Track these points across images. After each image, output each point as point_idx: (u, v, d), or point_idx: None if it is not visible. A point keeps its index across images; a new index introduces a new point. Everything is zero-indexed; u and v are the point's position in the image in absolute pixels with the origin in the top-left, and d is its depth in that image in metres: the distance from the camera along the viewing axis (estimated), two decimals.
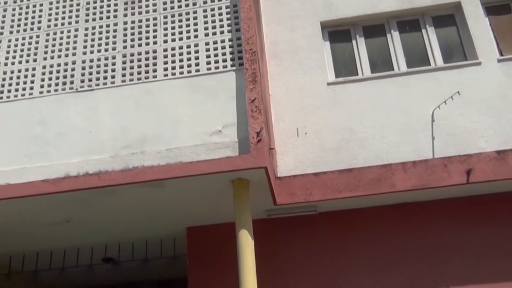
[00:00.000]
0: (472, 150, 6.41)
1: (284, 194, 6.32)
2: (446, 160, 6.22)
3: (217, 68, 5.92)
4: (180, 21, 6.25)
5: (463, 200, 6.50)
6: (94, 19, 6.47)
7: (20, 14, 6.69)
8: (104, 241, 7.44)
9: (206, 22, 6.19)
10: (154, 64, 6.07)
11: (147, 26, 6.30)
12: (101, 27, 6.41)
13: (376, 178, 6.23)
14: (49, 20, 6.56)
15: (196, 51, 6.05)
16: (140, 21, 6.35)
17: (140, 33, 6.28)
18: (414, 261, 6.35)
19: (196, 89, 5.82)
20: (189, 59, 6.02)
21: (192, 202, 6.19)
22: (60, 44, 6.39)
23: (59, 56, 6.31)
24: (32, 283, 8.34)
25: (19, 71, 6.33)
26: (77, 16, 6.53)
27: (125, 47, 6.23)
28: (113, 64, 6.16)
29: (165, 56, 6.09)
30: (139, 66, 6.09)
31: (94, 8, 6.53)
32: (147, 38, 6.24)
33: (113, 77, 6.09)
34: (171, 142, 5.59)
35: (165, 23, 6.27)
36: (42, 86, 6.19)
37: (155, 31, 6.26)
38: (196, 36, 6.13)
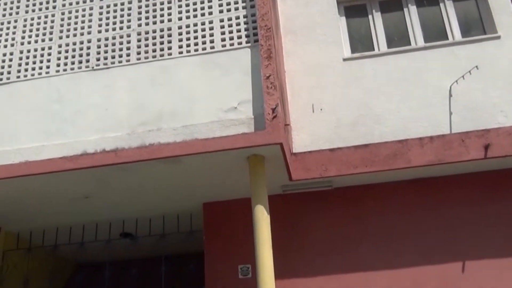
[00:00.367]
0: (490, 125, 6.33)
1: (299, 170, 6.32)
2: (464, 135, 6.16)
3: (232, 45, 5.89)
4: None
5: (480, 175, 6.46)
6: None
7: None
8: (122, 217, 7.54)
9: None
10: (169, 42, 6.05)
11: (162, 3, 6.26)
12: (115, 5, 6.38)
13: (392, 154, 6.20)
14: None
15: (211, 28, 6.02)
16: None
17: (154, 10, 6.25)
18: (429, 236, 6.37)
19: (211, 66, 5.81)
20: (203, 36, 6.00)
21: (208, 178, 6.24)
22: (76, 23, 6.40)
23: (75, 35, 6.33)
24: (52, 257, 8.52)
25: (36, 50, 6.36)
26: None
27: (140, 25, 6.22)
28: (128, 42, 6.16)
29: (180, 34, 6.07)
30: (154, 44, 6.08)
31: None
32: (162, 15, 6.21)
33: (128, 55, 6.10)
34: (187, 119, 5.60)
35: (180, 0, 6.23)
36: (58, 65, 6.22)
37: (169, 8, 6.23)
38: (210, 13, 6.09)
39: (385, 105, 6.70)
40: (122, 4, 6.38)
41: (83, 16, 6.42)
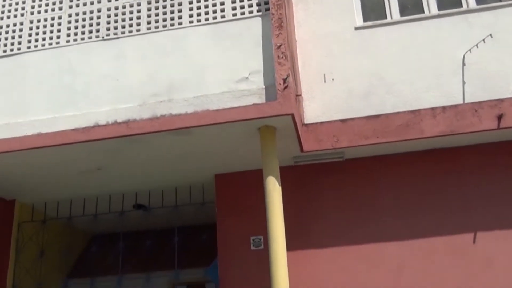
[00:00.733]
0: (504, 94, 6.21)
1: (311, 141, 6.31)
2: (477, 105, 6.08)
3: (242, 14, 5.81)
4: None
5: (493, 145, 6.41)
6: None
7: None
8: (134, 189, 7.60)
9: None
10: (179, 11, 5.99)
11: None
12: None
13: (404, 124, 6.16)
14: None
15: None
16: None
17: None
18: (442, 207, 6.36)
19: (222, 35, 5.76)
20: (214, 5, 5.92)
21: (219, 149, 6.25)
22: None
23: (85, 4, 6.27)
24: (67, 228, 8.63)
25: (45, 20, 6.33)
26: None
27: None
28: (138, 11, 6.09)
29: (190, 2, 5.98)
30: (164, 13, 6.02)
31: None
32: None
33: (138, 24, 6.04)
34: (198, 90, 5.59)
35: None
36: (68, 35, 6.19)
37: None
38: None
39: (397, 75, 6.59)
40: None
41: None
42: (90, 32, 6.14)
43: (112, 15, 6.14)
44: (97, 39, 6.09)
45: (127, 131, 5.60)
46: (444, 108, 6.16)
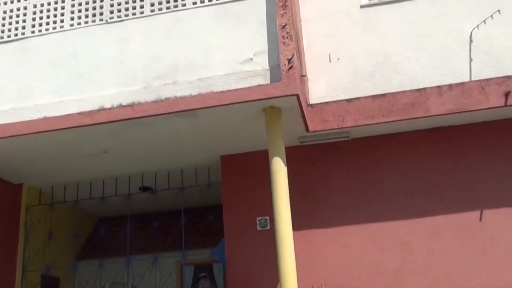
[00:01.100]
0: (511, 71, 6.14)
1: (316, 121, 6.29)
2: (484, 82, 6.03)
3: None
4: None
5: (500, 123, 6.37)
6: None
7: None
8: (141, 171, 7.62)
9: None
10: None
11: None
12: None
13: (410, 103, 6.12)
14: None
15: None
16: None
17: None
18: (448, 186, 6.35)
19: (226, 16, 5.69)
20: None
21: (225, 131, 6.24)
22: None
23: None
24: (74, 211, 8.69)
25: (49, 4, 6.27)
26: None
27: None
28: None
29: None
30: None
31: None
32: None
33: (142, 6, 5.98)
34: (203, 72, 5.56)
35: None
36: (72, 19, 6.14)
37: None
38: None
39: (404, 53, 6.53)
40: None
41: None
42: (94, 15, 6.09)
43: None
44: (101, 22, 6.04)
45: (132, 114, 5.60)
46: (450, 86, 6.10)
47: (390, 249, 6.28)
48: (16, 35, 6.28)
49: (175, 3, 5.91)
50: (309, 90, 6.58)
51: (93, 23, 6.07)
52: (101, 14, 6.07)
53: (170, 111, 5.54)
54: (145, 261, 8.20)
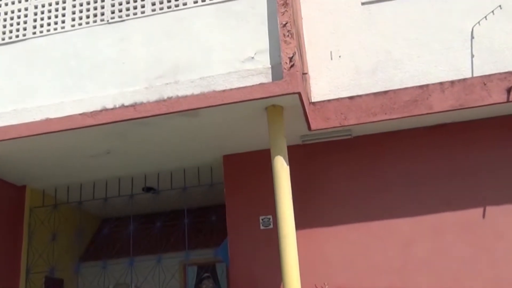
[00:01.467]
0: None
1: (318, 119, 6.28)
2: (486, 78, 6.01)
3: None
4: None
5: (502, 119, 6.35)
6: None
7: None
8: (143, 171, 7.63)
9: None
10: None
11: None
12: None
13: (412, 100, 6.11)
14: None
15: None
16: None
17: None
18: (451, 182, 6.34)
19: (227, 14, 5.69)
20: None
21: (227, 130, 6.25)
22: None
23: None
24: (77, 213, 8.69)
25: (50, 4, 6.29)
26: None
27: None
28: None
29: None
30: None
31: None
32: None
33: (143, 6, 5.99)
34: (204, 71, 5.56)
35: None
36: (73, 19, 6.15)
37: None
38: None
39: (405, 50, 6.52)
40: None
41: None
42: (95, 15, 6.10)
43: None
44: (102, 22, 6.05)
45: (134, 114, 5.61)
46: (452, 82, 6.09)
47: (394, 246, 6.28)
48: (17, 36, 6.29)
49: (176, 3, 5.91)
50: (311, 88, 6.58)
51: (94, 23, 6.08)
52: (102, 14, 6.08)
53: (172, 110, 5.54)
54: (148, 261, 8.21)
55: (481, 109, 6.09)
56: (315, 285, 5.86)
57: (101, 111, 5.68)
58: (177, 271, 8.97)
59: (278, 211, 5.31)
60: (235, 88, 5.41)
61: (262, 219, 6.65)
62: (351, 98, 6.29)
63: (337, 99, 6.33)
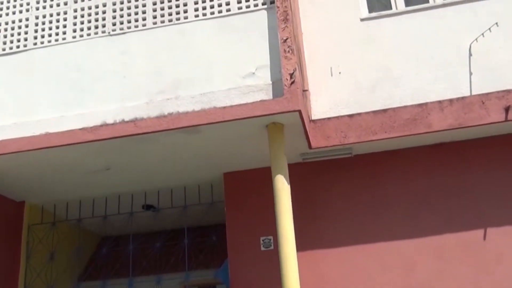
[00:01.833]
0: (511, 85, 6.13)
1: (319, 137, 6.28)
2: (484, 96, 6.02)
3: (248, 7, 5.78)
4: None
5: (501, 138, 6.36)
6: None
7: None
8: (143, 189, 7.60)
9: None
10: (185, 5, 5.96)
11: None
12: None
13: (412, 118, 6.11)
14: None
15: None
16: None
17: None
18: (452, 202, 6.31)
19: (228, 29, 5.74)
20: None
21: (227, 147, 6.24)
22: None
23: None
24: (76, 230, 8.63)
25: (51, 15, 6.32)
26: None
27: None
28: (144, 5, 6.07)
29: None
30: (170, 7, 6.00)
31: None
32: None
33: (144, 19, 6.03)
34: (205, 86, 5.57)
35: None
36: (74, 31, 6.18)
37: None
38: None
39: (404, 67, 6.55)
40: None
41: None
42: (96, 27, 6.13)
43: (118, 10, 6.13)
44: (103, 34, 6.08)
45: (134, 130, 5.59)
46: (451, 100, 6.10)
47: (395, 268, 6.22)
48: (18, 46, 6.29)
49: (177, 16, 5.96)
50: (311, 105, 6.59)
51: (96, 35, 6.11)
52: (104, 26, 6.11)
53: (172, 127, 5.53)
54: (148, 282, 8.14)
55: (480, 128, 6.08)
56: None
57: (101, 126, 5.67)
58: None
59: (279, 232, 5.27)
60: (236, 105, 5.41)
61: (263, 240, 6.61)
62: (351, 116, 6.29)
63: (337, 117, 6.33)
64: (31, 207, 7.90)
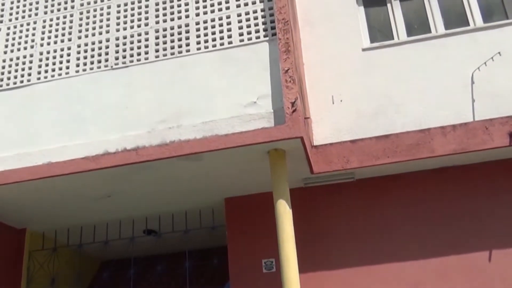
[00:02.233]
0: None
1: (321, 163, 6.28)
2: (487, 122, 6.05)
3: (249, 39, 5.85)
4: None
5: (505, 163, 6.35)
6: None
7: None
8: (144, 214, 7.57)
9: None
10: (187, 38, 6.04)
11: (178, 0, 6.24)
12: (132, 3, 6.38)
13: (414, 143, 6.12)
14: None
15: (228, 23, 5.98)
16: None
17: (171, 7, 6.23)
18: (455, 226, 6.29)
19: (230, 61, 5.78)
20: (221, 31, 5.97)
21: (229, 173, 6.24)
22: (94, 22, 6.42)
23: (93, 34, 6.35)
24: (77, 256, 8.59)
25: (55, 50, 6.39)
26: None
27: (157, 22, 6.21)
28: (146, 40, 6.17)
29: (198, 29, 6.05)
30: (172, 41, 6.08)
31: None
32: (179, 12, 6.19)
33: (146, 53, 6.10)
34: (207, 115, 5.60)
35: None
36: (78, 65, 6.24)
37: (186, 4, 6.20)
38: (227, 8, 6.05)
39: (406, 95, 6.59)
40: (139, 1, 6.37)
41: (101, 15, 6.43)
42: (99, 61, 6.19)
43: (121, 45, 6.20)
44: (106, 68, 6.14)
45: (136, 158, 5.61)
46: (454, 126, 6.12)
47: None
48: (22, 81, 6.37)
49: (180, 49, 6.02)
50: (313, 132, 6.61)
51: (99, 69, 6.16)
52: (106, 60, 6.17)
53: (174, 154, 5.54)
54: None
55: (484, 152, 6.10)
56: None
57: (103, 155, 5.69)
58: None
59: (281, 255, 5.27)
60: (237, 133, 5.43)
61: (264, 262, 6.59)
62: (353, 141, 6.31)
63: (339, 143, 6.35)
64: (32, 234, 7.87)
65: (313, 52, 7.07)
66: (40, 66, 6.36)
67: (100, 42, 6.28)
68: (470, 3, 7.01)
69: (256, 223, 6.73)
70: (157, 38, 6.12)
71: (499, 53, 6.45)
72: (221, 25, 6.00)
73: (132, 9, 6.35)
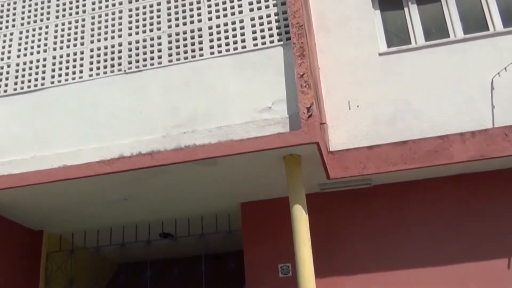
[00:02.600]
0: None
1: (337, 168, 6.24)
2: (507, 129, 5.95)
3: (264, 43, 5.82)
4: None
5: None
6: (137, 0, 6.45)
7: None
8: (161, 218, 7.59)
9: None
10: (200, 43, 6.04)
11: (191, 4, 6.23)
12: (144, 7, 6.39)
13: (432, 150, 6.05)
14: (93, 3, 6.60)
15: (242, 27, 5.96)
16: None
17: (184, 11, 6.23)
18: (473, 233, 6.22)
19: (244, 65, 5.77)
20: (235, 36, 5.96)
21: (245, 178, 6.23)
22: (106, 27, 6.44)
23: (106, 39, 6.38)
24: (94, 258, 8.66)
25: (68, 55, 6.44)
26: None
27: (170, 27, 6.21)
28: (159, 44, 6.17)
29: (211, 34, 6.04)
30: (185, 45, 6.07)
31: None
32: (192, 16, 6.19)
33: (159, 57, 6.11)
34: (221, 120, 5.59)
35: (209, 0, 6.19)
36: (91, 70, 6.28)
37: (199, 8, 6.20)
38: (241, 12, 6.03)
39: (424, 100, 6.49)
40: (151, 6, 6.38)
41: (113, 19, 6.45)
42: (112, 66, 6.22)
43: (134, 49, 6.22)
44: (119, 72, 6.16)
45: (151, 162, 5.62)
46: (473, 133, 6.03)
47: None
48: (36, 85, 6.41)
49: (193, 53, 6.02)
50: (329, 137, 6.55)
51: (112, 73, 6.19)
52: (120, 64, 6.20)
53: (189, 159, 5.55)
54: None
55: (503, 159, 6.00)
56: None
57: (118, 159, 5.71)
58: None
59: (298, 259, 5.26)
60: (252, 138, 5.42)
61: (281, 267, 6.57)
62: (370, 147, 6.25)
63: (356, 149, 6.30)
64: (49, 236, 7.96)
65: (329, 57, 7.01)
66: (53, 70, 6.41)
67: (113, 46, 6.31)
68: (489, 7, 6.88)
69: (272, 227, 6.71)
70: (170, 42, 6.12)
71: None
72: (234, 29, 5.99)
73: (144, 13, 6.36)
